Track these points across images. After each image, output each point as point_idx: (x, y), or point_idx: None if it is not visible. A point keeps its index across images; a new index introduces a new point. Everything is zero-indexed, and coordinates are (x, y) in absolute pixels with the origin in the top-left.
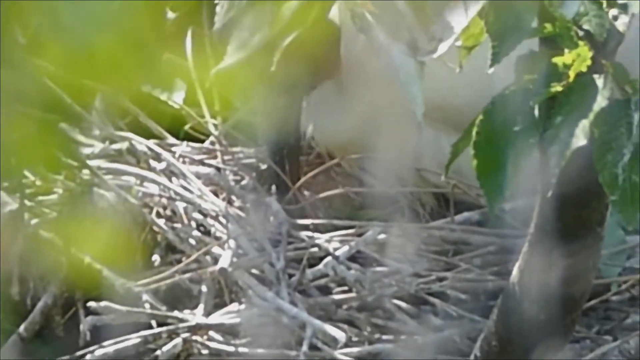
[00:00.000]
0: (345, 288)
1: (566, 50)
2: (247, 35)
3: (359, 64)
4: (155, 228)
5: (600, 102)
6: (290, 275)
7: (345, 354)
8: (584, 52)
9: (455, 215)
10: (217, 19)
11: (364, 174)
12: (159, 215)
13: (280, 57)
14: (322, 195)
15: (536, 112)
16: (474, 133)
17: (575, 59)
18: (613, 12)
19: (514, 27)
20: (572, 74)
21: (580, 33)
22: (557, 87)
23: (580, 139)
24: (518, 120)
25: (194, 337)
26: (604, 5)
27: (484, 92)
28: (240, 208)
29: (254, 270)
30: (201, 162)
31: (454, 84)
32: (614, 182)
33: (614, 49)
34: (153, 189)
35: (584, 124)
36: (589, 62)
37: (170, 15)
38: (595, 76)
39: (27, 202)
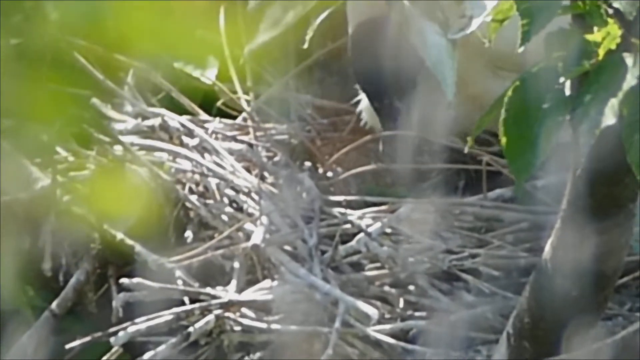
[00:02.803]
0: (378, 265)
1: (595, 29)
2: (279, 14)
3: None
4: (187, 204)
5: (630, 80)
6: (323, 252)
7: (378, 331)
8: (614, 30)
9: (488, 191)
10: None
11: (396, 150)
12: (191, 191)
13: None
14: (354, 171)
15: (566, 90)
16: (502, 110)
17: (605, 37)
18: None
19: (544, 5)
20: (601, 52)
21: (610, 11)
22: (587, 66)
23: (609, 118)
24: (547, 98)
25: (227, 314)
26: None
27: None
28: (272, 184)
29: (286, 247)
30: (234, 138)
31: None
32: None
33: None
34: (185, 165)
35: (613, 103)
36: (618, 40)
37: None
38: (625, 55)
39: (59, 178)
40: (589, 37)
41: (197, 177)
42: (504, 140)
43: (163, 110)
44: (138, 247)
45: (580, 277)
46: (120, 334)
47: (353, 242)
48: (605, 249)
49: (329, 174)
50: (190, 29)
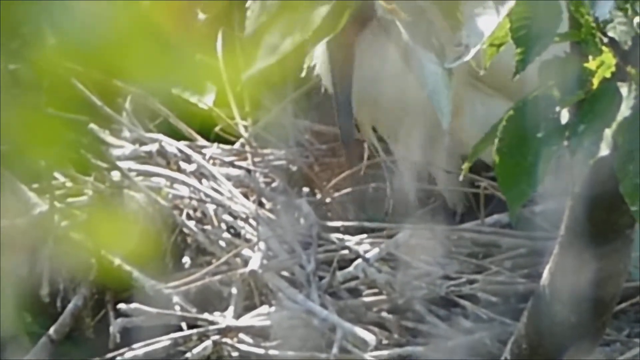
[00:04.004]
0: (376, 290)
1: (590, 57)
2: (277, 40)
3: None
4: (185, 230)
5: (624, 111)
6: (321, 278)
7: (376, 357)
8: (608, 58)
9: (486, 217)
10: (247, 24)
11: (394, 175)
12: (189, 217)
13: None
14: (351, 196)
15: (562, 118)
16: (496, 139)
17: (599, 65)
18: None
19: (539, 34)
20: (595, 81)
21: (605, 40)
22: (581, 95)
23: (603, 149)
24: (542, 127)
25: (224, 340)
26: (629, 12)
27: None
28: (270, 210)
29: (284, 273)
30: (231, 164)
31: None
32: (634, 193)
33: (639, 57)
34: (183, 190)
35: (607, 133)
36: (612, 69)
37: (201, 16)
38: (620, 84)
39: (57, 204)
40: (585, 65)
41: (194, 202)
42: (498, 169)
43: (161, 136)
44: (136, 273)
45: (578, 303)
46: (118, 359)
47: (351, 268)
48: (604, 275)
49: (327, 199)
50: (188, 54)
